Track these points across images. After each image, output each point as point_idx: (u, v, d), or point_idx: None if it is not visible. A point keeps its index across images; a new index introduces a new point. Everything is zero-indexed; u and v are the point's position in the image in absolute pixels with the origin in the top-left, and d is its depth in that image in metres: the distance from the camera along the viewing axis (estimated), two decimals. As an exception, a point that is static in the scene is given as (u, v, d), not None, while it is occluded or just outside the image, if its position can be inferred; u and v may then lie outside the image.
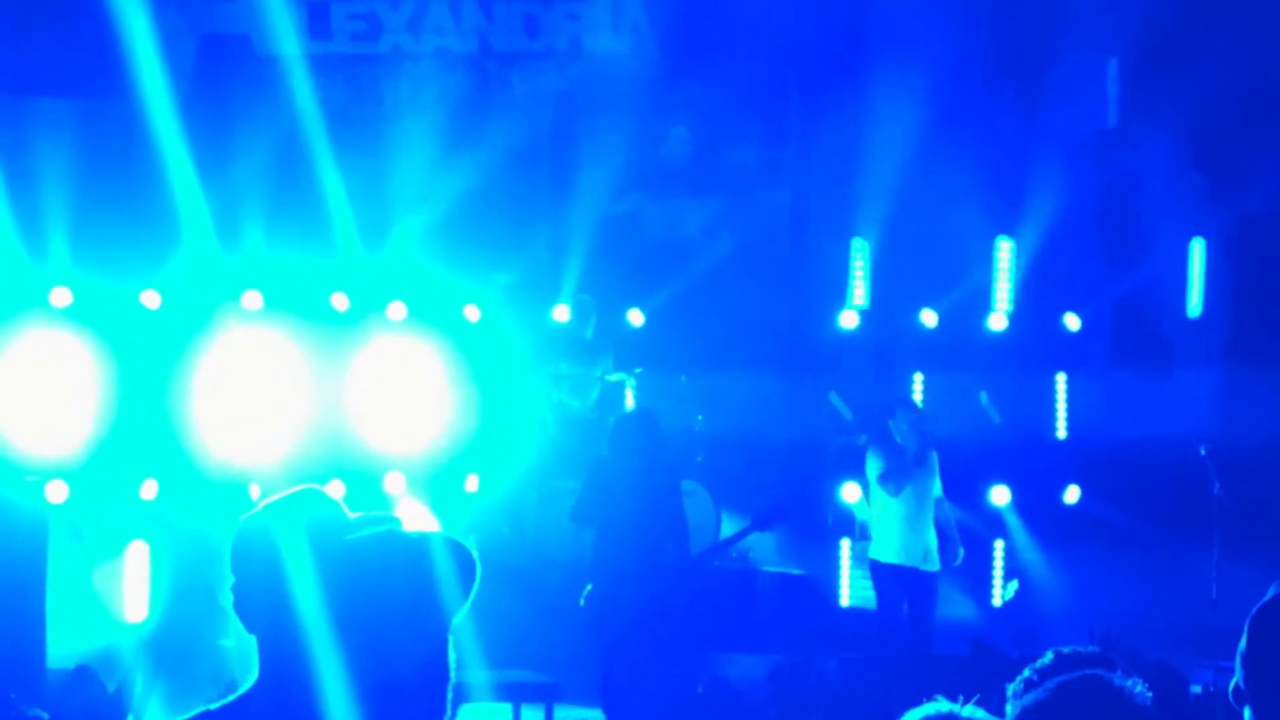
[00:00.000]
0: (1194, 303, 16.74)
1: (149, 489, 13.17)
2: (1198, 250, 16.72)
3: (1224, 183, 16.37)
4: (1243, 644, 4.34)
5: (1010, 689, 4.29)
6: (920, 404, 14.66)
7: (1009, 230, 16.42)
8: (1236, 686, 4.32)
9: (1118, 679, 3.68)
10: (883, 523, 12.94)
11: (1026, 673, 4.26)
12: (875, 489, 12.96)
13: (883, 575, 12.96)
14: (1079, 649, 4.29)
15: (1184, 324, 16.74)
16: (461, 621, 4.04)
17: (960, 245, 16.37)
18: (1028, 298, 16.41)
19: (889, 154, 15.87)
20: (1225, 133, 16.16)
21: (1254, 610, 4.31)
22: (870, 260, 16.39)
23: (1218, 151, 16.31)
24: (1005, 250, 16.47)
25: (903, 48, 16.07)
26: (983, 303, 16.35)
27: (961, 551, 13.07)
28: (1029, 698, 3.71)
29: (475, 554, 4.07)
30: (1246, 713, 4.14)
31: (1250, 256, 16.68)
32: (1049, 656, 4.30)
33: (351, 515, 4.09)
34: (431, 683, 3.99)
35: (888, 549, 12.89)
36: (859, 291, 16.47)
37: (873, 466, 12.91)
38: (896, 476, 12.74)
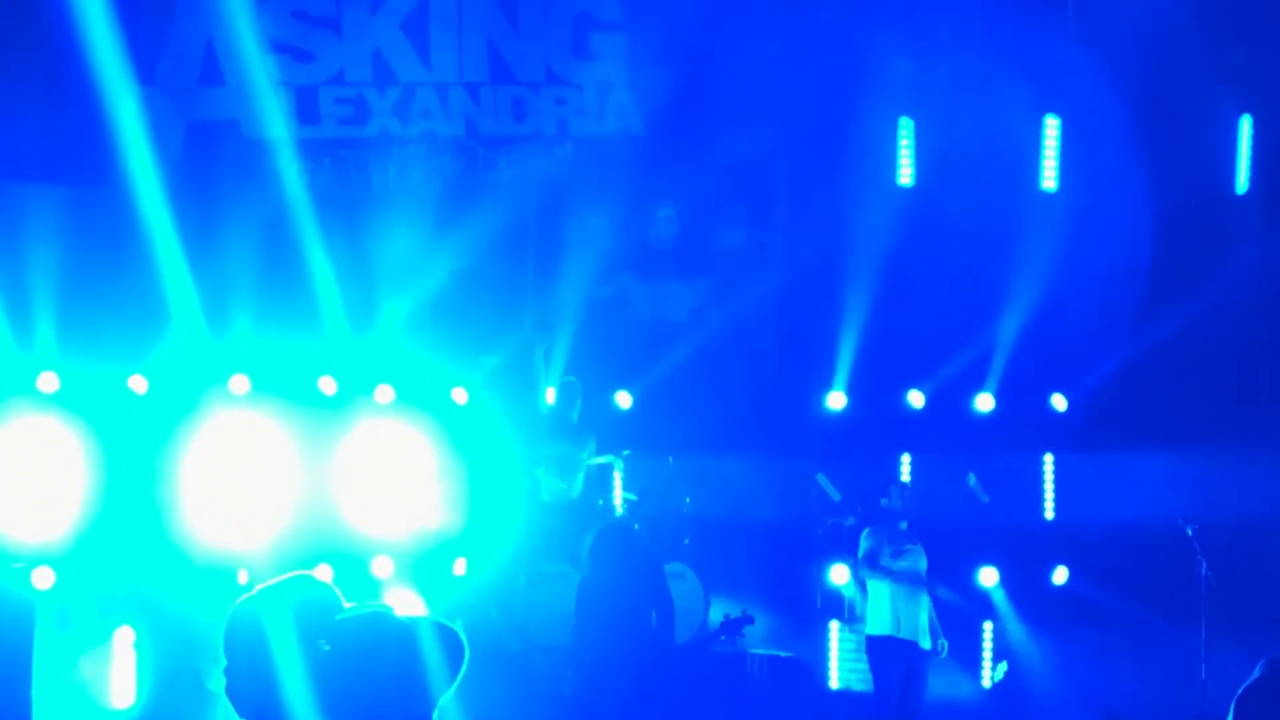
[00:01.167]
0: (1242, 180, 16.53)
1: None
2: (1246, 126, 16.55)
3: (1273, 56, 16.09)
4: (1230, 723, 4.35)
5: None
6: (908, 481, 14.66)
7: (1054, 109, 16.25)
8: (1225, 766, 4.32)
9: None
10: (876, 598, 12.80)
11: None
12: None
13: (877, 650, 12.77)
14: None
15: (1232, 201, 16.47)
16: (448, 704, 4.03)
17: (1005, 123, 16.24)
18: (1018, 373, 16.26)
19: (930, 41, 15.73)
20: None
21: (1240, 689, 4.32)
22: (915, 139, 16.33)
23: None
24: (1052, 128, 16.41)
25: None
26: (970, 383, 16.36)
27: (945, 644, 12.95)
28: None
29: (464, 638, 4.08)
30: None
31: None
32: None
33: (347, 604, 4.10)
34: (419, 766, 3.98)
35: (881, 623, 12.74)
36: (905, 171, 16.41)
37: (862, 546, 12.86)
38: (875, 560, 12.70)
